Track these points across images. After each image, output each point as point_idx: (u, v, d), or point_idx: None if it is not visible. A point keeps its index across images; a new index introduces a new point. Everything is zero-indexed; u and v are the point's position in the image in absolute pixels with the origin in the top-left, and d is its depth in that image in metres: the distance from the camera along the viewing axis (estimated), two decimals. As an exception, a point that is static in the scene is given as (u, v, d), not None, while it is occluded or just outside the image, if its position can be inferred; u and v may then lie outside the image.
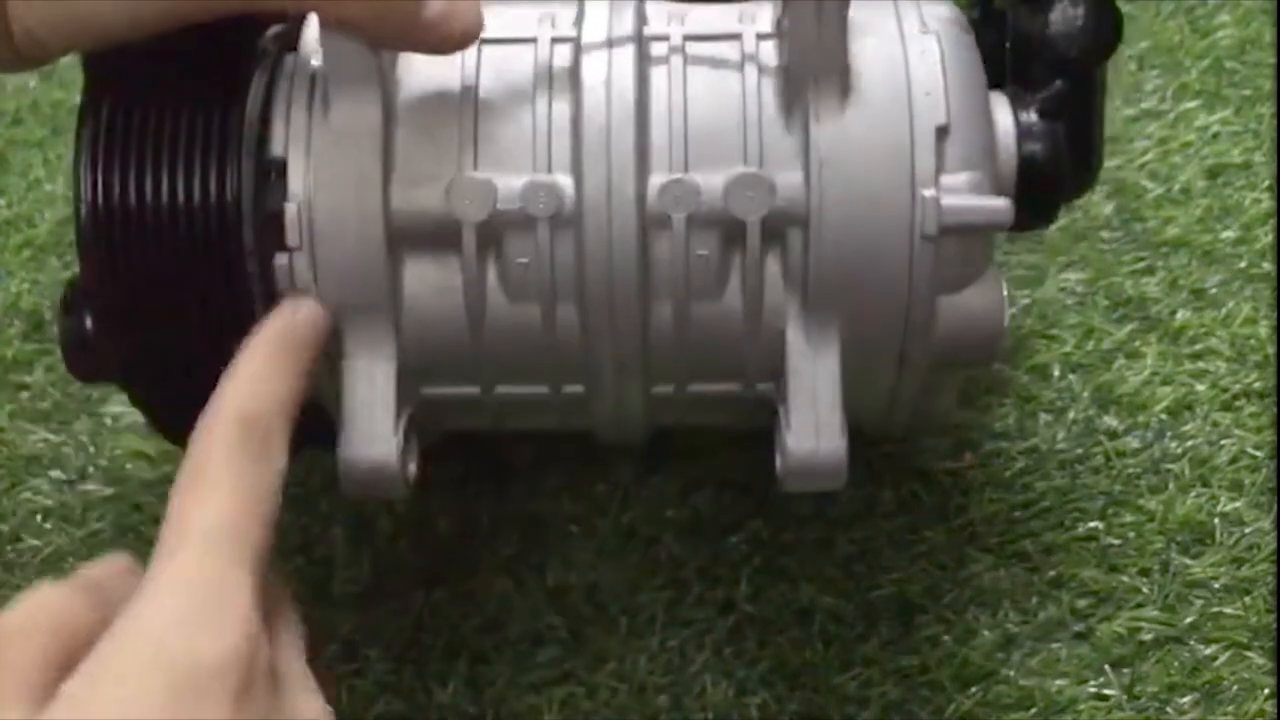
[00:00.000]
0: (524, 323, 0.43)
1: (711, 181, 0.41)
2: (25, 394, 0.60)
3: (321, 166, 0.42)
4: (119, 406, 0.59)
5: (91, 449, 0.58)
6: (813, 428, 0.42)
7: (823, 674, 0.50)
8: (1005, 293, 0.44)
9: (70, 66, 0.73)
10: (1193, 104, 0.68)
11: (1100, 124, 0.47)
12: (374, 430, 0.42)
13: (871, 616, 0.51)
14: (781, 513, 0.54)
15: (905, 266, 0.42)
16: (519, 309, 0.43)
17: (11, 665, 0.32)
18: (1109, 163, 0.65)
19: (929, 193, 0.41)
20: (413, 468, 0.43)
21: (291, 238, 0.42)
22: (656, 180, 0.42)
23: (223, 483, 0.36)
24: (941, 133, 0.42)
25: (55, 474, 0.57)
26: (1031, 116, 0.45)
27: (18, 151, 0.70)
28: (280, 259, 0.42)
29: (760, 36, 0.44)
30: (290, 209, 0.42)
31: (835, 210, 0.41)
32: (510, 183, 0.42)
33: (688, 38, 0.44)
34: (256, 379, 0.38)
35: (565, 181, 0.42)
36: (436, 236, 0.42)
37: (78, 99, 0.71)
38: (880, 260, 0.42)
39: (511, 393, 0.45)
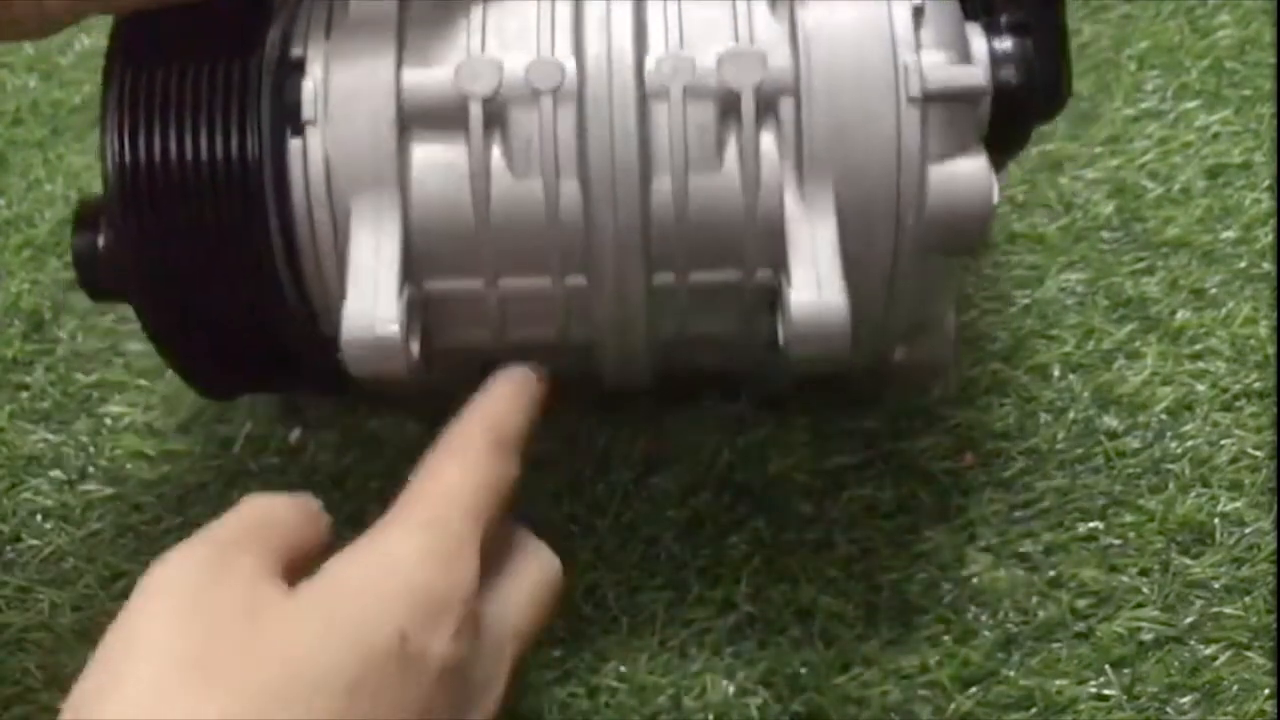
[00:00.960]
0: (527, 201, 0.44)
1: (705, 57, 0.44)
2: (25, 394, 0.60)
3: (338, 49, 0.45)
4: (119, 406, 0.59)
5: (91, 449, 0.58)
6: (814, 282, 0.43)
7: (823, 674, 0.50)
8: (995, 177, 0.45)
9: (71, 67, 0.74)
10: (1193, 104, 0.68)
11: (1066, 44, 0.49)
12: (377, 297, 0.43)
13: (872, 616, 0.51)
14: (782, 513, 0.54)
15: (893, 130, 0.44)
16: (522, 186, 0.44)
17: (265, 543, 0.39)
18: (1110, 162, 0.65)
19: (910, 58, 0.44)
20: (416, 347, 0.44)
21: (307, 111, 0.44)
22: (654, 56, 0.44)
23: (471, 462, 0.42)
24: (918, 12, 0.45)
25: (55, 474, 0.57)
26: (1005, 43, 0.47)
27: (18, 152, 0.70)
28: (294, 142, 0.44)
29: None
30: (307, 85, 0.44)
31: (823, 79, 0.44)
32: (515, 61, 0.44)
33: None
34: (504, 399, 0.44)
35: (568, 60, 0.44)
36: (445, 117, 0.44)
37: (78, 99, 0.71)
38: (869, 125, 0.44)
39: (514, 286, 0.46)
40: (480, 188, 0.44)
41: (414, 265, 0.45)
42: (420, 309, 0.45)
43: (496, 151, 0.45)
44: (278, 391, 0.56)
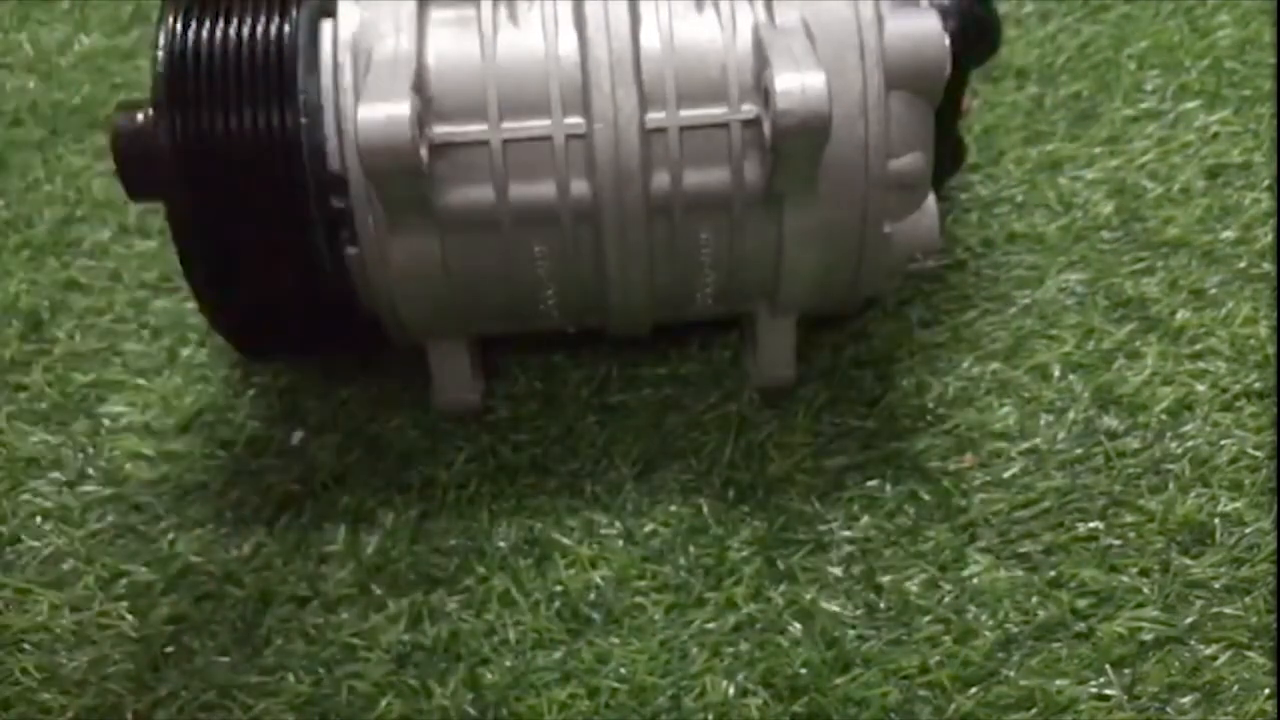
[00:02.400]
0: (528, 46, 0.50)
1: None
2: (24, 395, 0.60)
3: None
4: (117, 406, 0.59)
5: (90, 449, 0.58)
6: (794, 67, 0.47)
7: (823, 674, 0.50)
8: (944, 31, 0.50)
9: (70, 68, 0.73)
10: (1192, 104, 0.68)
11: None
12: (392, 88, 0.47)
13: (872, 617, 0.51)
14: (782, 513, 0.54)
15: None
16: (524, 35, 0.50)
17: None
18: (1110, 162, 0.65)
19: None
20: (425, 153, 0.47)
21: None
22: None
23: None
24: None
25: (54, 475, 0.57)
26: None
27: (17, 152, 0.70)
28: (326, 23, 0.50)
29: None
30: None
31: None
32: None
33: None
34: None
35: None
36: None
37: (77, 100, 0.71)
38: None
39: (516, 130, 0.50)
40: (487, 34, 0.50)
41: (426, 110, 0.49)
42: (429, 121, 0.49)
43: (503, 11, 0.51)
44: (311, 349, 0.58)
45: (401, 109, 0.46)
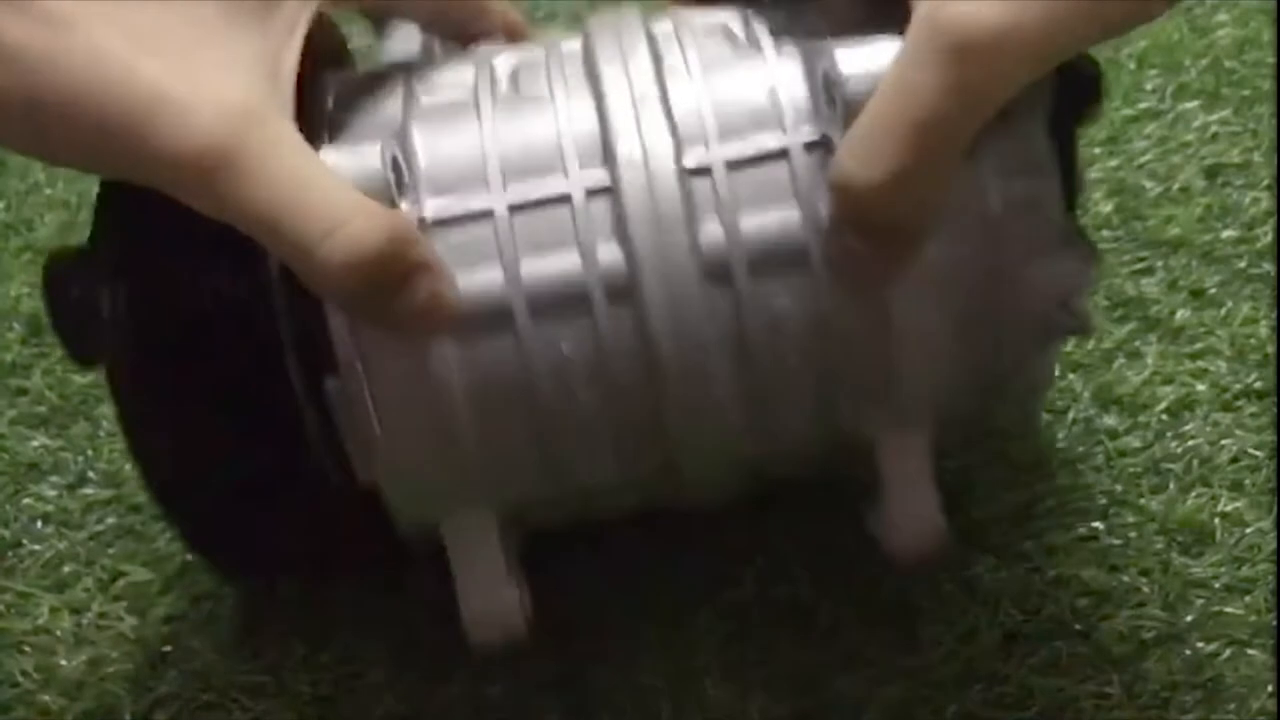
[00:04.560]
0: (533, 103, 0.43)
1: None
2: (24, 399, 0.60)
3: None
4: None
5: (90, 452, 0.58)
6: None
7: (824, 674, 0.50)
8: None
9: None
10: (1192, 103, 0.68)
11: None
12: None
13: (873, 617, 0.51)
14: (784, 512, 0.54)
15: None
16: (527, 92, 0.44)
17: None
18: (1109, 162, 0.65)
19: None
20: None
21: None
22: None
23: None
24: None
25: (55, 479, 0.57)
26: None
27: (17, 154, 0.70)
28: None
29: None
30: None
31: None
32: None
33: None
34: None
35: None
36: None
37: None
38: None
39: (525, 194, 0.41)
40: (485, 100, 0.43)
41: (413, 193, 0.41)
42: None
43: (503, 81, 0.44)
44: (309, 572, 0.53)
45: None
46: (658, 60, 0.42)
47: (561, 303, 0.41)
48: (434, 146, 0.42)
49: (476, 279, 0.41)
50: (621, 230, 0.40)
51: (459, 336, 0.40)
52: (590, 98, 0.42)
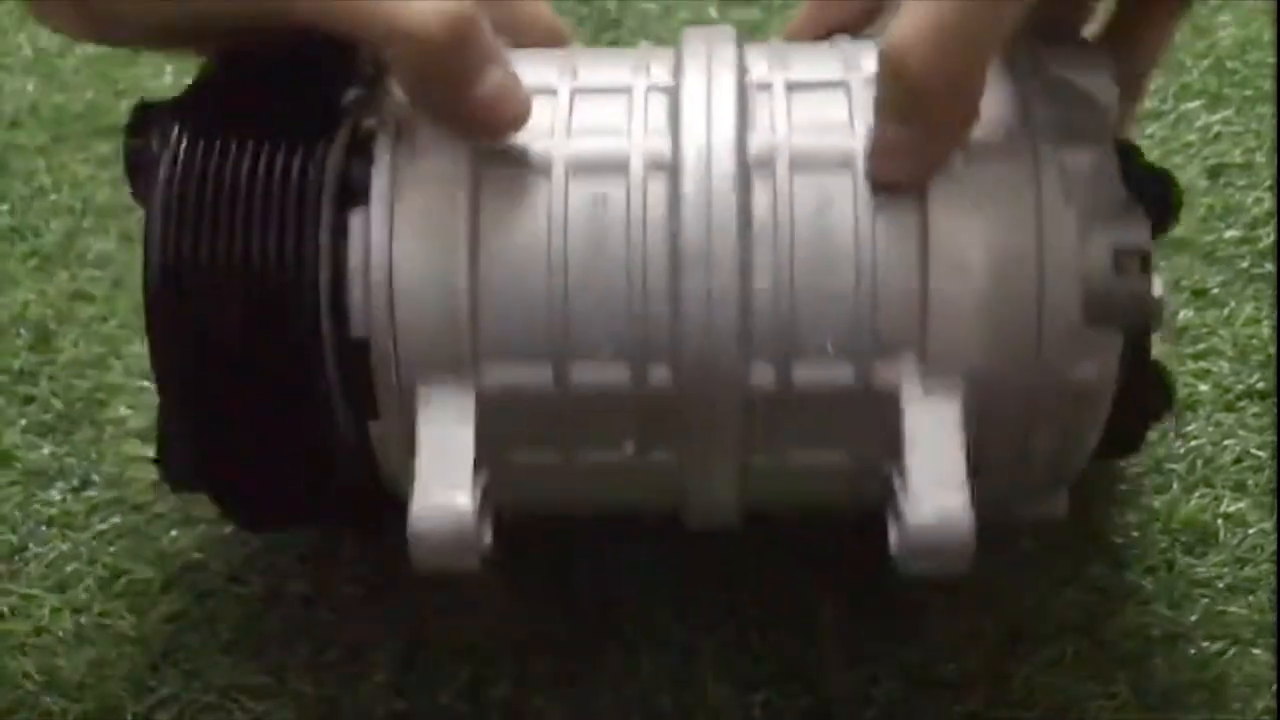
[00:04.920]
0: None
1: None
2: (32, 406, 0.60)
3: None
4: (119, 410, 0.59)
5: (94, 455, 0.58)
6: (934, 478, 0.39)
7: (827, 672, 0.50)
8: None
9: (72, 71, 0.74)
10: (1194, 104, 0.68)
11: None
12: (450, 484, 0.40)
13: (875, 615, 0.51)
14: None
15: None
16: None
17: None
18: (1110, 163, 0.65)
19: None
20: (489, 538, 0.41)
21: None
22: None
23: None
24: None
25: (61, 484, 0.57)
26: None
27: (19, 156, 0.70)
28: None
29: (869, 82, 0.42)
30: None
31: None
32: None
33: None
34: None
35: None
36: None
37: (80, 106, 0.72)
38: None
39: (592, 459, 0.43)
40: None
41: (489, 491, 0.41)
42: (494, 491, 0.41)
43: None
44: (320, 524, 0.53)
45: (465, 517, 0.39)
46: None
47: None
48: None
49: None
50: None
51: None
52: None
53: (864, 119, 0.41)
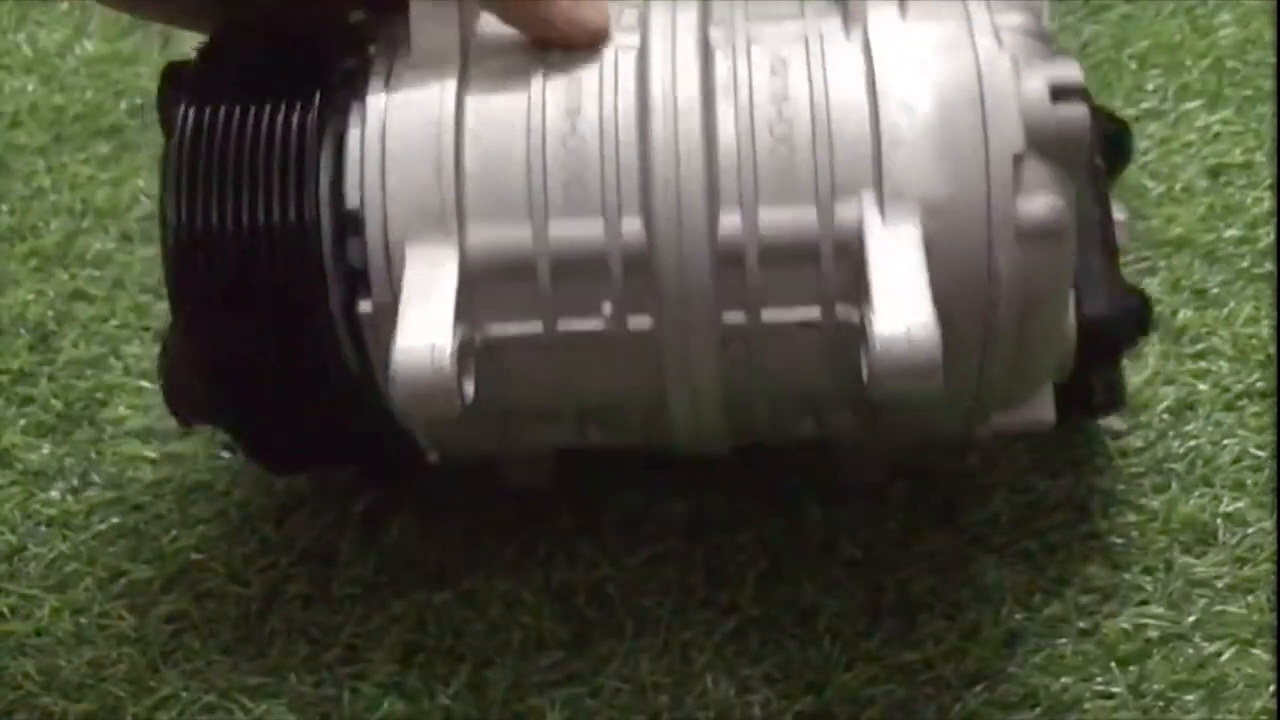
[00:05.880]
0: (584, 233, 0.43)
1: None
2: (31, 406, 0.60)
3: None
4: (119, 410, 0.59)
5: (93, 455, 0.58)
6: (899, 299, 0.40)
7: (826, 672, 0.50)
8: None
9: (71, 72, 0.74)
10: (1194, 104, 0.68)
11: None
12: (431, 333, 0.41)
13: (875, 614, 0.51)
14: (786, 513, 0.54)
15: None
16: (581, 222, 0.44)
17: None
18: (1110, 163, 0.65)
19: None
20: (470, 388, 0.42)
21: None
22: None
23: None
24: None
25: (60, 484, 0.58)
26: None
27: (18, 156, 0.70)
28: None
29: None
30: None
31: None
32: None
33: None
34: None
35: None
36: None
37: (79, 106, 0.72)
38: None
39: (571, 328, 0.44)
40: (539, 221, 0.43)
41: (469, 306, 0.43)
42: (473, 350, 0.43)
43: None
44: (345, 464, 0.54)
45: (443, 361, 0.40)
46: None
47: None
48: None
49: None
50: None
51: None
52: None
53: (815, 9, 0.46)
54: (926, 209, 0.41)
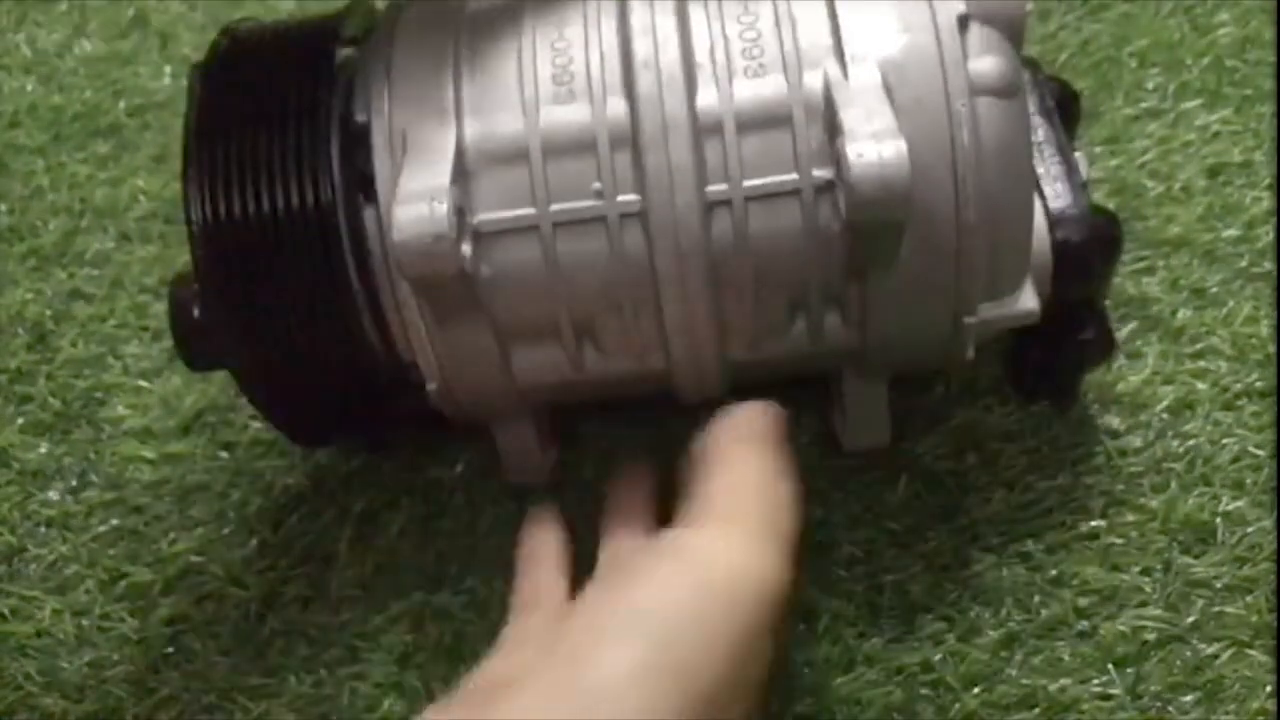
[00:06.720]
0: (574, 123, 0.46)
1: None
2: (29, 405, 0.60)
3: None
4: (118, 410, 0.59)
5: (92, 454, 0.58)
6: (870, 133, 0.43)
7: (826, 673, 0.50)
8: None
9: (70, 72, 0.74)
10: (1193, 103, 0.67)
11: None
12: (430, 196, 0.44)
13: (874, 616, 0.51)
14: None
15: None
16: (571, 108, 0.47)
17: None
18: (1110, 162, 0.65)
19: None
20: (467, 249, 0.44)
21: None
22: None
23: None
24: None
25: (59, 484, 0.58)
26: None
27: (17, 156, 0.70)
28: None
29: None
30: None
31: None
32: None
33: None
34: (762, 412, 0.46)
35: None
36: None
37: (78, 106, 0.72)
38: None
39: (565, 209, 0.46)
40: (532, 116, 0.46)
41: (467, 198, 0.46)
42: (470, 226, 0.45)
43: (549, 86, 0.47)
44: (368, 434, 0.55)
45: (440, 214, 0.43)
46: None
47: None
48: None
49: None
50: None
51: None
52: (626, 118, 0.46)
53: None
54: (884, 67, 0.45)
